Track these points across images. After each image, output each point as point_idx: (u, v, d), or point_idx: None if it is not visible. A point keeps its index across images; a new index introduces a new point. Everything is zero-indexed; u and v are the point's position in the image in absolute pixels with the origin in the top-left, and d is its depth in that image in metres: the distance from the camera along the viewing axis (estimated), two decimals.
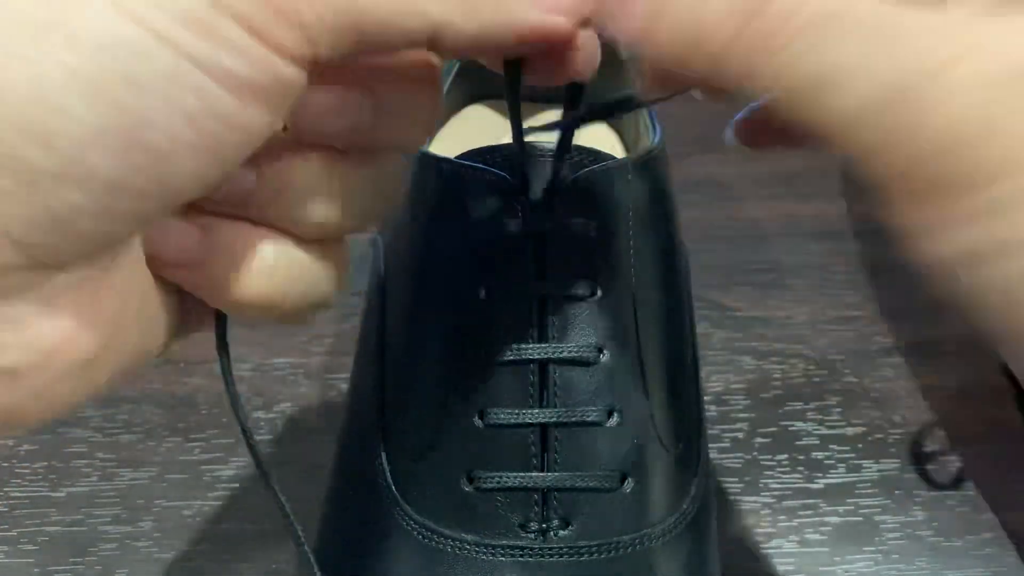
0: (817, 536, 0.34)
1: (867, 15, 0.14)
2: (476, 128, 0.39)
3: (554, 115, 0.40)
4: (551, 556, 0.24)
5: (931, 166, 0.14)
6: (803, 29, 0.14)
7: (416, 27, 0.15)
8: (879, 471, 0.36)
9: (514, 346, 0.25)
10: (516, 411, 0.25)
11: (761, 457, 0.36)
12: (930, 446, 0.36)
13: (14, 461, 0.35)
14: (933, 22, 0.14)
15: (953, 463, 0.36)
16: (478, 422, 0.25)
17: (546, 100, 0.40)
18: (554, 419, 0.25)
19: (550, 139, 0.26)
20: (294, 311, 0.18)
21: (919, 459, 0.36)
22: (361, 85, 0.17)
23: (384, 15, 0.15)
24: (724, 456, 0.35)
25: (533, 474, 0.25)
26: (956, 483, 0.35)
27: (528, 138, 0.24)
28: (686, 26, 0.16)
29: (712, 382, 0.39)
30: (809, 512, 0.34)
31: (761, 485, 0.35)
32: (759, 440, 0.37)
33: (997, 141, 0.14)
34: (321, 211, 0.18)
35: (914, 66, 0.14)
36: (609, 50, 0.34)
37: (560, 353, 0.25)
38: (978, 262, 0.14)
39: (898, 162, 0.14)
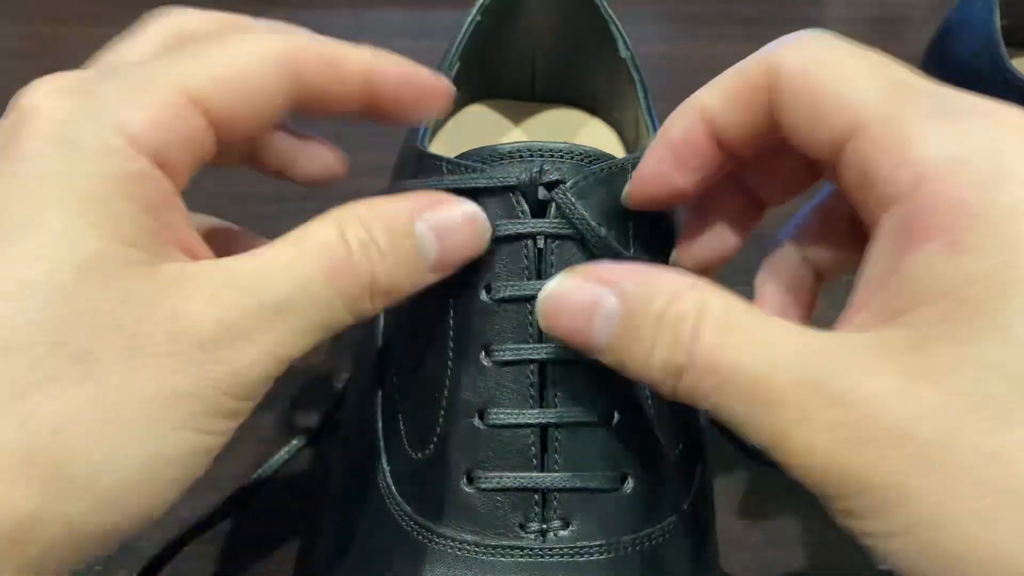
0: (817, 536, 0.34)
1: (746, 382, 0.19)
2: (476, 127, 0.39)
3: (554, 115, 0.40)
4: (551, 556, 0.24)
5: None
6: (713, 390, 0.19)
7: None
8: None
9: (514, 346, 0.25)
10: (516, 411, 0.25)
11: (761, 457, 0.36)
12: None
13: None
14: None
15: None
16: (478, 422, 0.25)
17: (546, 100, 0.40)
18: (554, 419, 0.25)
19: (550, 139, 0.26)
20: None
21: None
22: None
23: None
24: (724, 456, 0.35)
25: (533, 474, 0.25)
26: None
27: (528, 138, 0.24)
28: (642, 376, 0.21)
29: None
30: (809, 512, 0.34)
31: (761, 485, 0.35)
32: None
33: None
34: None
35: (774, 424, 0.18)
36: (609, 49, 0.34)
37: (560, 353, 0.25)
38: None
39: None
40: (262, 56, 0.22)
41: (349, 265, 0.21)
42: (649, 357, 0.20)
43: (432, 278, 0.23)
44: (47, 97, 0.20)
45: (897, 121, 0.19)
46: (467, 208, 0.24)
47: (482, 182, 0.25)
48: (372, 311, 0.22)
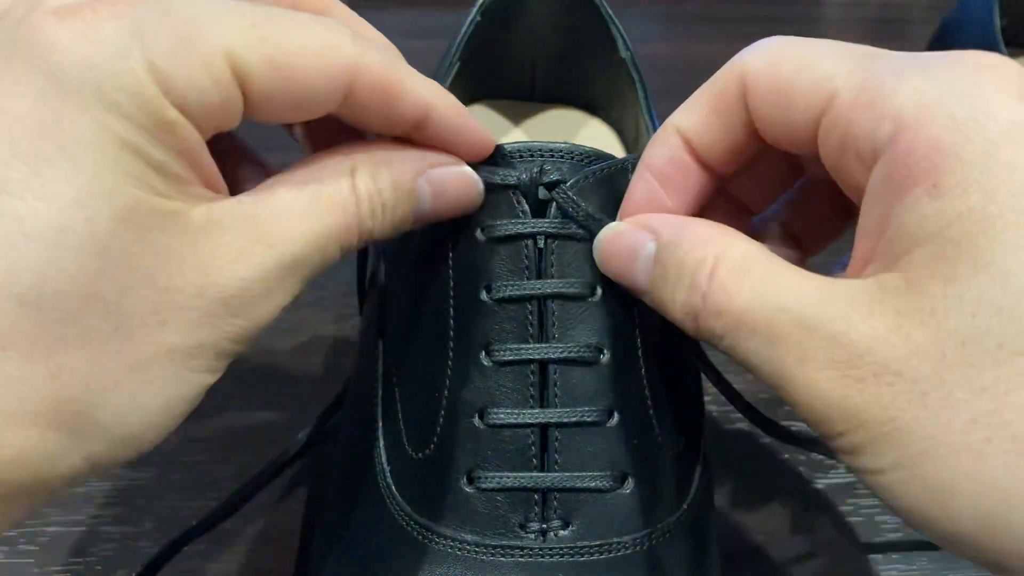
0: (817, 537, 0.34)
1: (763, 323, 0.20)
2: None
3: (554, 115, 0.40)
4: (551, 556, 0.24)
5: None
6: (725, 331, 0.20)
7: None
8: None
9: (514, 346, 0.25)
10: (516, 411, 0.25)
11: (761, 457, 0.36)
12: None
13: None
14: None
15: None
16: (478, 422, 0.25)
17: (546, 100, 0.40)
18: (554, 419, 0.25)
19: (550, 139, 0.26)
20: None
21: None
22: None
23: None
24: (724, 456, 0.35)
25: (533, 474, 0.25)
26: None
27: (528, 138, 0.24)
28: (671, 316, 0.22)
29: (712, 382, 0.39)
30: (809, 514, 0.34)
31: (761, 485, 0.35)
32: (759, 440, 0.37)
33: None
34: None
35: (780, 363, 0.19)
36: (609, 49, 0.34)
37: (560, 353, 0.25)
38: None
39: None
40: (325, 58, 0.20)
41: (357, 222, 0.21)
42: (673, 298, 0.22)
43: (412, 227, 0.24)
44: (90, 7, 0.18)
45: (869, 82, 0.20)
46: (465, 168, 0.24)
47: (483, 180, 0.25)
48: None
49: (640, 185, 0.24)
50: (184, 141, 0.19)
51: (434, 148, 0.24)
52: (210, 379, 0.20)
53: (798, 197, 0.27)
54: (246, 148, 0.26)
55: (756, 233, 0.27)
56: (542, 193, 0.25)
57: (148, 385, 0.18)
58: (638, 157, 0.26)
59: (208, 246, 0.19)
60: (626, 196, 0.25)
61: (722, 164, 0.24)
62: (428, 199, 0.23)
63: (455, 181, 0.24)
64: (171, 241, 0.19)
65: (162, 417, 0.19)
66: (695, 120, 0.23)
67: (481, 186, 0.25)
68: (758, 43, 0.22)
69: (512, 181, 0.25)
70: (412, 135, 0.23)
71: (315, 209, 0.21)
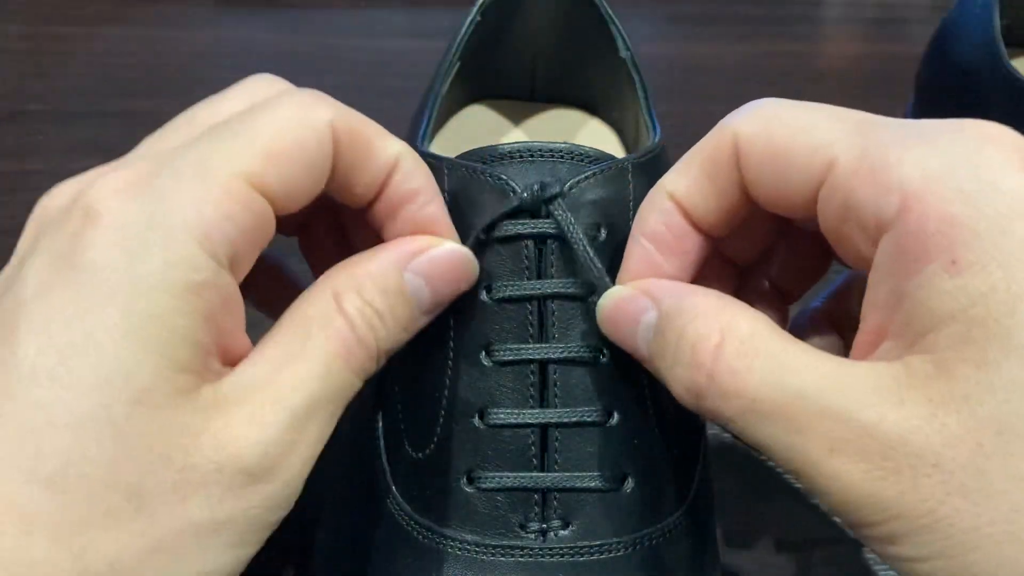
0: (817, 537, 0.34)
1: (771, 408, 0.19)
2: (476, 128, 0.39)
3: (554, 115, 0.40)
4: (551, 556, 0.24)
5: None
6: (737, 414, 0.20)
7: None
8: None
9: (514, 346, 0.25)
10: (516, 411, 0.25)
11: (761, 458, 0.36)
12: None
13: None
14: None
15: None
16: (478, 422, 0.25)
17: (546, 100, 0.40)
18: (554, 419, 0.25)
19: (550, 139, 0.26)
20: None
21: None
22: None
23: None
24: (724, 456, 0.35)
25: (533, 474, 0.25)
26: None
27: (528, 138, 0.24)
28: (667, 384, 0.22)
29: None
30: (809, 513, 0.34)
31: (761, 485, 0.35)
32: None
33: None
34: None
35: (804, 454, 0.19)
36: (609, 49, 0.34)
37: (560, 353, 0.25)
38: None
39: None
40: (311, 124, 0.21)
41: (356, 340, 0.21)
42: (673, 372, 0.21)
43: (426, 321, 0.24)
44: (113, 198, 0.19)
45: (870, 151, 0.19)
46: (450, 247, 0.24)
47: (485, 190, 0.25)
48: (378, 369, 0.23)
49: (636, 250, 0.24)
50: (217, 298, 0.20)
51: (410, 231, 0.23)
52: (245, 552, 0.20)
53: (785, 250, 0.26)
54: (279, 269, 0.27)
55: (744, 287, 0.27)
56: (542, 193, 0.25)
57: (173, 563, 0.18)
58: (638, 157, 0.26)
59: (220, 420, 0.19)
60: (623, 261, 0.24)
61: (716, 226, 0.23)
62: (424, 290, 0.23)
63: (445, 262, 0.23)
64: (184, 419, 0.19)
65: None
66: (687, 184, 0.23)
67: (473, 260, 0.24)
68: (749, 105, 0.22)
69: (514, 204, 0.25)
70: (384, 190, 0.23)
71: (310, 348, 0.21)
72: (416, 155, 0.23)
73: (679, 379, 0.21)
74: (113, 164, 0.21)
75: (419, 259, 0.23)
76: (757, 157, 0.21)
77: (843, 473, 0.18)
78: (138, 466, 0.18)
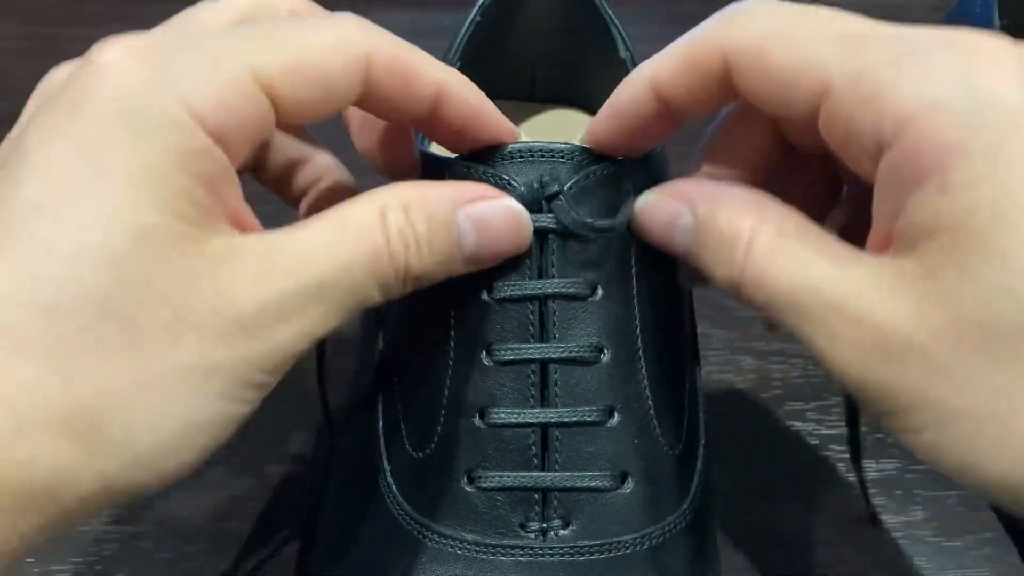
0: (817, 536, 0.34)
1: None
2: None
3: (554, 115, 0.40)
4: (551, 556, 0.24)
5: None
6: (764, 306, 0.21)
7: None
8: (879, 471, 0.36)
9: (515, 346, 0.25)
10: (516, 411, 0.25)
11: (762, 457, 0.36)
12: None
13: None
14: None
15: None
16: (478, 422, 0.25)
17: (546, 100, 0.40)
18: (554, 419, 0.25)
19: (550, 139, 0.26)
20: None
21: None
22: None
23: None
24: (724, 456, 0.35)
25: (533, 474, 0.25)
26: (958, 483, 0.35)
27: (528, 138, 0.24)
28: (711, 280, 0.23)
29: (712, 382, 0.39)
30: (809, 512, 0.34)
31: (761, 485, 0.35)
32: (760, 440, 0.37)
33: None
34: None
35: (813, 341, 0.21)
36: (609, 49, 0.34)
37: (560, 353, 0.25)
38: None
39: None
40: (339, 50, 0.21)
41: (387, 252, 0.21)
42: (714, 271, 0.22)
43: (466, 269, 0.23)
44: (121, 59, 0.20)
45: (865, 75, 0.20)
46: (510, 204, 0.24)
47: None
48: (402, 292, 0.22)
49: (603, 120, 0.25)
50: (214, 169, 0.20)
51: (444, 142, 0.24)
52: (233, 410, 0.20)
53: (792, 177, 0.27)
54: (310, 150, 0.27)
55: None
56: (542, 193, 0.25)
57: (161, 403, 0.19)
58: (638, 157, 0.26)
59: (225, 270, 0.19)
60: (592, 123, 0.25)
61: (692, 115, 0.24)
62: (471, 235, 0.23)
63: (500, 216, 0.24)
64: (188, 263, 0.19)
65: (177, 441, 0.19)
66: (669, 77, 0.23)
67: (528, 219, 0.24)
68: (739, 9, 0.22)
69: (511, 181, 0.25)
70: (431, 119, 0.23)
71: (340, 238, 0.21)
72: (464, 79, 0.24)
73: (720, 277, 0.22)
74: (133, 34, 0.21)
75: (476, 205, 0.23)
76: (751, 77, 0.22)
77: (842, 359, 0.20)
78: (134, 300, 0.18)
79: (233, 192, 0.21)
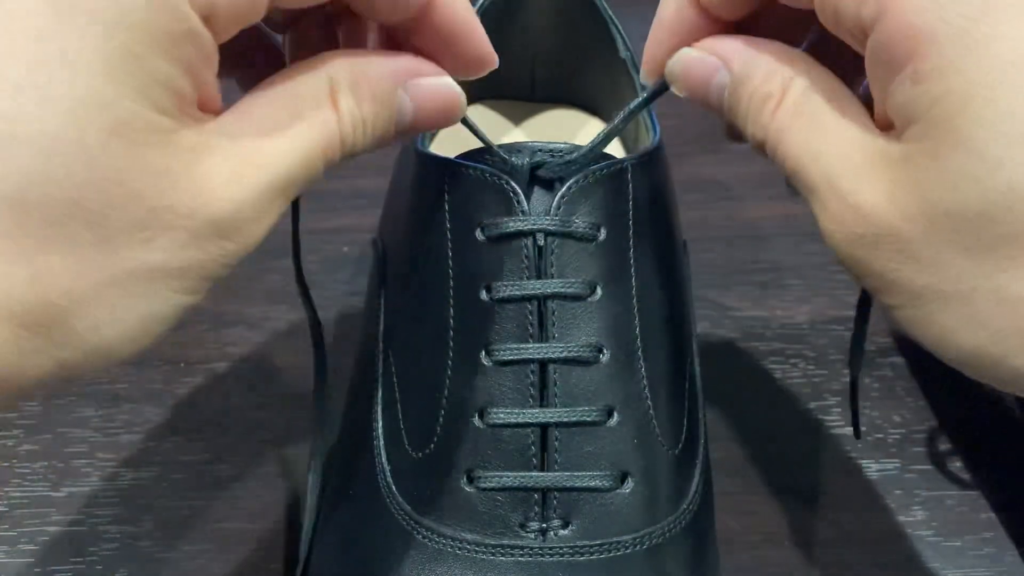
0: (817, 536, 0.34)
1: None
2: None
3: (554, 115, 0.40)
4: (551, 556, 0.24)
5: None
6: (782, 166, 0.22)
7: None
8: (879, 471, 0.36)
9: (514, 346, 0.25)
10: (516, 411, 0.25)
11: (762, 457, 0.36)
12: (938, 446, 0.36)
13: (14, 461, 0.35)
14: None
15: (955, 463, 0.36)
16: (478, 422, 0.25)
17: (546, 100, 0.40)
18: (554, 419, 0.25)
19: (550, 139, 0.26)
20: None
21: (931, 459, 0.36)
22: None
23: None
24: (723, 456, 0.35)
25: (533, 474, 0.25)
26: (959, 483, 0.35)
27: (528, 138, 0.24)
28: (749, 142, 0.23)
29: (712, 382, 0.39)
30: (809, 512, 0.34)
31: (761, 485, 0.35)
32: (760, 440, 0.37)
33: None
34: None
35: (813, 207, 0.22)
36: (609, 49, 0.34)
37: (560, 353, 0.25)
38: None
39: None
40: None
41: (339, 139, 0.21)
42: (745, 129, 0.23)
43: (396, 141, 0.23)
44: None
45: None
46: (445, 80, 0.23)
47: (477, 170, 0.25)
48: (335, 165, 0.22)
49: (654, 40, 0.25)
50: (198, 53, 0.19)
51: (419, 53, 0.23)
52: (191, 301, 0.20)
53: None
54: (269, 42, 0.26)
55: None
56: (542, 193, 0.25)
57: (127, 300, 0.18)
58: (638, 157, 0.26)
59: (201, 168, 0.19)
60: (647, 58, 0.25)
61: (734, 17, 0.24)
62: (409, 111, 0.23)
63: (436, 92, 0.23)
64: (164, 160, 0.18)
65: (137, 332, 0.19)
66: None
67: (463, 99, 0.24)
68: None
69: (511, 181, 0.25)
70: (417, 25, 0.23)
71: (300, 128, 0.20)
72: None
73: (751, 135, 0.23)
74: None
75: (418, 82, 0.23)
76: None
77: (830, 232, 0.21)
78: (106, 198, 0.18)
79: (211, 76, 0.20)
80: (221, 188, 0.19)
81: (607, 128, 0.26)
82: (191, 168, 0.19)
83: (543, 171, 0.25)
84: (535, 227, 0.25)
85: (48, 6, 0.17)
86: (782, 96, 0.22)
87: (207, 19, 0.19)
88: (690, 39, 0.24)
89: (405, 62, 0.23)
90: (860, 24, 0.20)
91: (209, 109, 0.20)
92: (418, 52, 0.24)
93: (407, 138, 0.24)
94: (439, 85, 0.23)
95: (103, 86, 0.17)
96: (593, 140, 0.25)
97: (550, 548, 0.24)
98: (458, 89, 0.24)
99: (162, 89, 0.18)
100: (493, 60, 0.24)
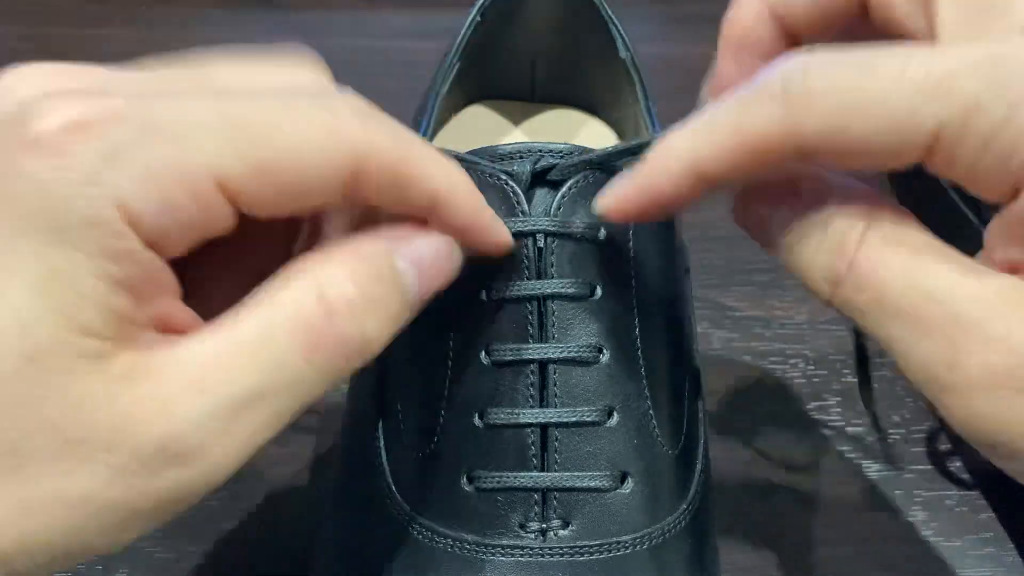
0: (817, 536, 0.34)
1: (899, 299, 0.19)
2: (476, 128, 0.39)
3: (554, 115, 0.40)
4: (551, 556, 0.24)
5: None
6: (868, 307, 0.19)
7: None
8: (879, 471, 0.36)
9: (514, 346, 0.25)
10: (516, 411, 0.25)
11: (763, 457, 0.36)
12: (938, 446, 0.36)
13: None
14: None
15: (955, 463, 0.36)
16: (478, 422, 0.25)
17: (546, 100, 0.40)
18: (554, 419, 0.25)
19: (550, 139, 0.26)
20: None
21: (931, 459, 0.36)
22: None
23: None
24: (724, 456, 0.35)
25: (533, 474, 0.25)
26: (959, 483, 0.35)
27: (528, 138, 0.24)
28: (804, 279, 0.20)
29: (712, 382, 0.39)
30: (809, 512, 0.34)
31: (761, 485, 0.35)
32: (760, 439, 0.37)
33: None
34: None
35: (928, 359, 0.18)
36: (609, 49, 0.34)
37: (560, 353, 0.25)
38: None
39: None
40: (325, 151, 0.18)
41: (333, 333, 0.19)
42: (813, 260, 0.20)
43: (410, 317, 0.21)
44: (61, 135, 0.17)
45: (972, 118, 0.18)
46: (440, 238, 0.21)
47: (479, 174, 0.25)
48: (350, 373, 0.20)
49: (726, 63, 0.23)
50: (139, 271, 0.18)
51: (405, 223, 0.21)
52: (133, 535, 0.18)
53: None
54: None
55: None
56: (542, 193, 0.25)
57: (41, 534, 0.17)
58: (638, 157, 0.26)
59: (127, 397, 0.17)
60: (608, 200, 0.22)
61: (810, 31, 0.22)
62: (415, 280, 0.20)
63: (432, 250, 0.21)
64: (84, 388, 0.17)
65: (56, 565, 0.18)
66: (724, 168, 0.20)
67: (459, 254, 0.22)
68: (793, 81, 0.19)
69: (511, 181, 0.25)
70: (422, 216, 0.21)
71: (269, 331, 0.18)
72: (466, 183, 0.21)
73: (820, 266, 0.20)
74: (91, 79, 0.19)
75: (410, 246, 0.21)
76: (836, 157, 0.19)
77: (964, 388, 0.17)
78: (20, 426, 0.17)
79: (162, 293, 0.18)
80: (147, 418, 0.17)
81: (626, 143, 0.25)
82: (118, 396, 0.17)
83: (550, 175, 0.25)
84: (535, 227, 0.25)
85: None
86: (867, 227, 0.19)
87: (155, 242, 0.18)
88: (674, 204, 0.21)
89: (392, 232, 0.21)
90: (1010, 177, 0.18)
91: (177, 329, 0.19)
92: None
93: (417, 311, 0.21)
94: (433, 244, 0.21)
95: (25, 306, 0.17)
96: (607, 148, 0.25)
97: (550, 548, 0.24)
98: (447, 239, 0.21)
99: (93, 310, 0.17)
100: (507, 243, 0.23)
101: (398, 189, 0.20)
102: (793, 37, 0.22)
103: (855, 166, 0.19)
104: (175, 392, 0.17)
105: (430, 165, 0.20)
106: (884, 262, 0.19)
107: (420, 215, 0.21)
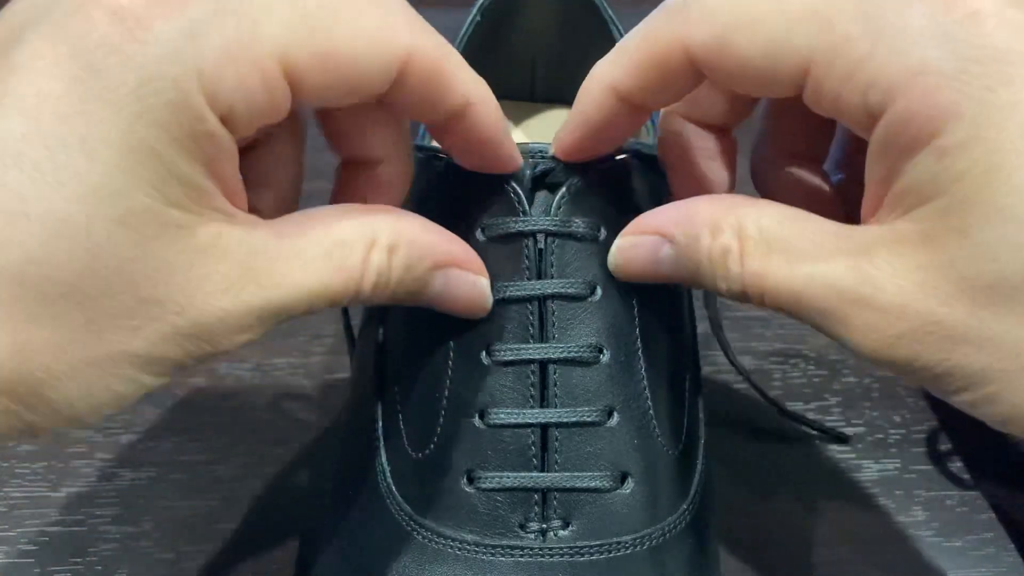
0: (816, 536, 0.34)
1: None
2: None
3: (554, 115, 0.40)
4: (551, 556, 0.24)
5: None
6: (777, 307, 0.21)
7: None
8: (879, 471, 0.36)
9: (514, 346, 0.25)
10: (516, 411, 0.25)
11: (762, 457, 0.36)
12: (938, 446, 0.36)
13: (14, 461, 0.35)
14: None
15: (955, 463, 0.36)
16: (478, 422, 0.25)
17: (546, 100, 0.40)
18: (554, 419, 0.25)
19: (550, 139, 0.26)
20: None
21: (931, 459, 0.36)
22: None
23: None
24: (724, 456, 0.35)
25: (533, 474, 0.25)
26: (959, 483, 0.35)
27: (528, 138, 0.24)
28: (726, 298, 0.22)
29: (712, 382, 0.39)
30: (808, 512, 0.34)
31: (761, 486, 0.35)
32: (760, 439, 0.37)
33: None
34: None
35: (830, 331, 0.21)
36: (609, 49, 0.34)
37: (560, 353, 0.25)
38: None
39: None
40: (378, 46, 0.20)
41: (356, 289, 0.21)
42: (717, 288, 0.22)
43: (413, 304, 0.24)
44: (148, 7, 0.18)
45: (840, 50, 0.19)
46: (482, 281, 0.24)
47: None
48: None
49: (572, 133, 0.25)
50: (217, 151, 0.19)
51: (449, 149, 0.23)
52: (159, 384, 0.20)
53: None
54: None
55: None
56: (542, 193, 0.25)
57: (102, 380, 0.19)
58: (638, 158, 0.26)
59: (202, 270, 0.19)
60: (558, 134, 0.25)
61: (660, 107, 0.24)
62: (437, 293, 0.23)
63: (469, 289, 0.24)
64: (167, 255, 0.19)
65: (105, 407, 0.19)
66: (630, 79, 0.22)
67: (490, 302, 0.25)
68: (692, 4, 0.21)
69: (512, 181, 0.25)
70: (447, 127, 0.23)
71: (321, 267, 0.21)
72: (491, 98, 0.23)
73: (727, 291, 0.22)
74: None
75: (456, 273, 0.23)
76: (719, 68, 0.21)
77: (862, 346, 0.20)
78: (102, 284, 0.18)
79: (232, 172, 0.20)
80: (214, 296, 0.19)
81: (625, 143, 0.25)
82: (193, 267, 0.19)
83: (550, 177, 0.25)
84: (536, 228, 0.25)
85: (75, 91, 0.18)
86: (741, 244, 0.21)
87: (225, 119, 0.19)
88: (608, 131, 0.24)
89: (451, 246, 0.23)
90: (867, 110, 0.19)
91: (235, 204, 0.20)
92: (448, 148, 0.24)
93: (424, 306, 0.24)
94: (474, 284, 0.24)
95: (118, 176, 0.18)
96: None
97: (550, 548, 0.24)
98: (488, 293, 0.25)
99: (178, 185, 0.18)
100: (517, 164, 0.25)
101: (437, 89, 0.21)
102: (640, 109, 0.23)
103: (741, 88, 0.21)
104: (239, 277, 0.19)
105: (465, 71, 0.22)
106: (767, 271, 0.21)
107: (446, 120, 0.22)
